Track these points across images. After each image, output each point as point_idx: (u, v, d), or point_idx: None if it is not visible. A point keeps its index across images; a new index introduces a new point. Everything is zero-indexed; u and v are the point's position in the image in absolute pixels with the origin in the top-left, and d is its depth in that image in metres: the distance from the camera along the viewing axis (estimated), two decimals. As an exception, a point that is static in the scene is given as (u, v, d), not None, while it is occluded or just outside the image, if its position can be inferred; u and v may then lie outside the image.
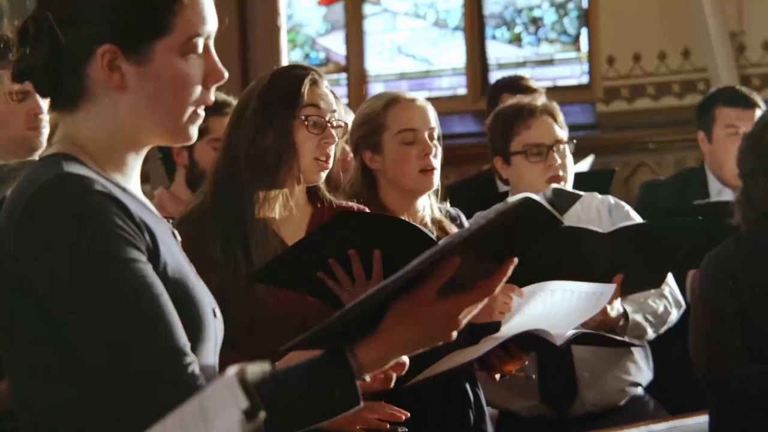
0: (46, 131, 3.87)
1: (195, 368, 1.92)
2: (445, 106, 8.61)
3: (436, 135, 3.70)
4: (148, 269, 1.93)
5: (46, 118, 3.88)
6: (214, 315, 2.10)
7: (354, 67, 9.61)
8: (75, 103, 2.08)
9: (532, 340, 3.28)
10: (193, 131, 2.11)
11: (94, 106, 2.06)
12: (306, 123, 3.24)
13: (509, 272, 1.99)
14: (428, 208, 3.73)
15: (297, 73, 3.31)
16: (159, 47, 2.03)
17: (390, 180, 3.69)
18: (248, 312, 3.13)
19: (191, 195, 4.33)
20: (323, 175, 3.33)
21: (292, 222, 3.33)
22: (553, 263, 3.64)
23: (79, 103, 2.07)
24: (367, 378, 1.97)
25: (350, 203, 3.47)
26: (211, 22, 2.10)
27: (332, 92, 3.39)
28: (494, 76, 8.83)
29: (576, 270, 3.67)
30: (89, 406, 1.95)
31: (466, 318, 2.01)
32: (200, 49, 2.07)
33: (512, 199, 1.89)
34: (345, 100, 9.34)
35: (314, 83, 3.29)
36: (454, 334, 2.02)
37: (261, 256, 3.18)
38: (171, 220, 2.21)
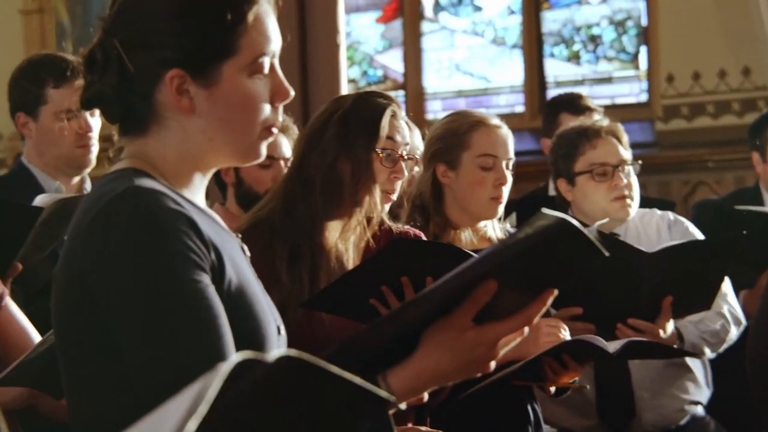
0: (95, 149, 3.91)
1: None
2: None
3: (511, 165, 3.71)
4: (209, 290, 1.93)
5: (94, 136, 3.92)
6: (279, 332, 2.10)
7: (412, 85, 9.62)
8: (145, 127, 2.09)
9: (586, 350, 3.25)
10: (263, 150, 2.12)
11: (164, 130, 2.07)
12: (381, 156, 3.24)
13: (549, 302, 1.95)
14: (490, 227, 3.73)
15: (379, 104, 3.29)
16: (226, 69, 2.04)
17: (458, 199, 3.70)
18: (308, 334, 3.12)
19: (242, 212, 4.34)
20: (386, 208, 3.33)
21: (350, 246, 3.33)
22: (598, 283, 3.62)
23: (149, 127, 2.08)
24: (403, 406, 1.89)
25: (407, 228, 3.47)
26: (276, 42, 2.11)
27: (407, 123, 3.39)
28: (552, 94, 8.80)
29: (622, 291, 3.64)
30: None
31: (504, 348, 1.97)
32: (266, 69, 2.08)
33: (547, 213, 1.80)
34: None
35: (394, 116, 3.29)
36: (492, 364, 1.98)
37: (325, 281, 3.17)
38: (239, 235, 2.21)
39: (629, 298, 3.68)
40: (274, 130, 2.11)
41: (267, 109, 2.08)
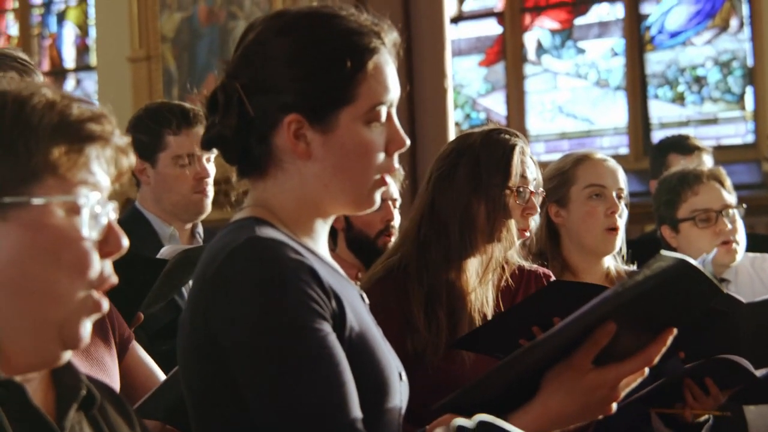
0: (211, 195, 3.94)
1: None
2: (607, 165, 8.60)
3: (624, 197, 3.67)
4: (330, 339, 1.95)
5: (211, 182, 3.96)
6: (400, 378, 2.10)
7: (515, 127, 9.55)
8: (263, 170, 2.11)
9: (732, 372, 3.17)
10: (377, 198, 2.13)
11: (282, 174, 2.10)
12: (515, 194, 3.23)
13: (668, 342, 1.95)
14: (613, 269, 3.70)
15: (508, 141, 3.28)
16: (343, 116, 2.06)
17: (573, 236, 3.68)
18: (447, 378, 3.11)
19: (353, 257, 4.35)
20: (517, 243, 3.32)
21: (480, 287, 3.33)
22: (699, 331, 3.56)
23: (267, 170, 2.11)
24: None
25: (535, 266, 3.46)
26: (394, 91, 2.11)
27: (532, 158, 3.38)
28: (656, 136, 8.77)
29: (724, 340, 3.57)
30: None
31: (625, 389, 1.97)
32: (383, 118, 2.09)
33: (666, 255, 1.82)
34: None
35: (522, 152, 3.28)
36: (614, 406, 1.97)
37: (464, 324, 3.17)
38: (358, 282, 2.22)
39: (729, 346, 3.62)
40: (389, 179, 2.12)
41: (382, 157, 2.09)
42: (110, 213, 1.58)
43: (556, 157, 8.46)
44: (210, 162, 3.97)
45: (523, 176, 3.26)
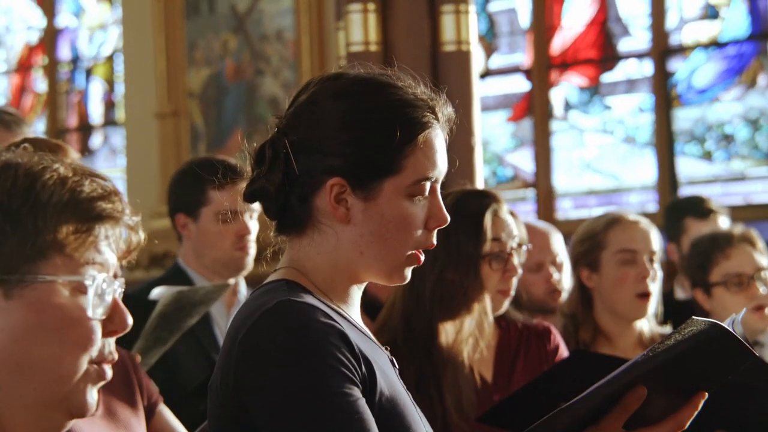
0: (252, 252, 3.92)
1: None
2: (635, 222, 8.53)
3: (656, 258, 3.64)
4: (360, 404, 1.93)
5: (252, 238, 3.94)
6: None
7: (542, 184, 9.60)
8: (301, 229, 2.11)
9: None
10: (408, 274, 2.12)
11: (319, 235, 2.09)
12: (490, 261, 3.21)
13: (699, 406, 1.94)
14: (647, 331, 3.66)
15: (478, 204, 3.26)
16: (387, 186, 2.06)
17: (605, 301, 3.65)
18: None
19: (368, 320, 4.34)
20: (506, 304, 3.30)
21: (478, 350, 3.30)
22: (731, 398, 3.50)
23: (305, 229, 2.11)
24: None
25: (535, 321, 3.43)
26: (441, 166, 2.11)
27: (511, 213, 3.33)
28: (685, 193, 8.72)
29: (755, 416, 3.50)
30: None
31: None
32: (427, 192, 2.08)
33: (698, 320, 1.82)
34: (533, 216, 9.32)
35: (495, 214, 3.25)
36: None
37: (455, 395, 3.14)
38: (388, 348, 2.21)
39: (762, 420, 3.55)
40: (422, 256, 2.11)
41: (419, 232, 2.08)
42: (116, 291, 1.57)
43: (583, 213, 8.42)
44: (253, 219, 3.96)
45: (498, 240, 3.23)
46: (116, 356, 1.59)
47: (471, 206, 3.27)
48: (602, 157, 9.57)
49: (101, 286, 1.54)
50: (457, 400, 3.14)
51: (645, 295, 3.61)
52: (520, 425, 3.02)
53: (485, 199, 3.29)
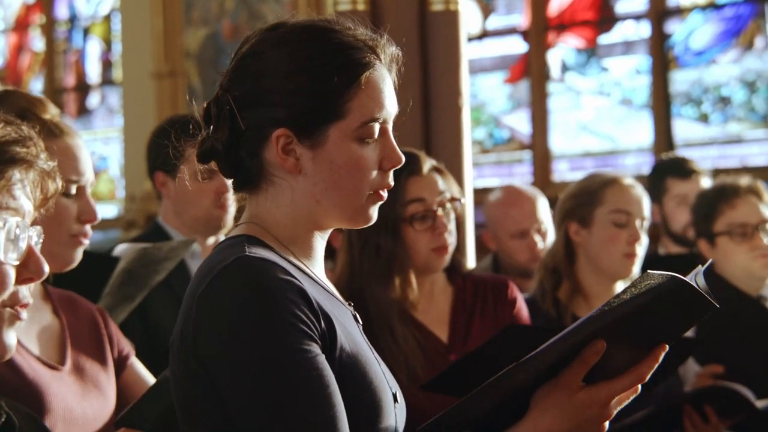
0: (232, 210, 3.90)
1: None
2: (630, 185, 8.52)
3: (646, 226, 3.67)
4: (318, 360, 1.92)
5: (232, 197, 3.92)
6: (396, 400, 2.08)
7: (538, 146, 9.58)
8: (256, 184, 2.10)
9: (731, 401, 3.12)
10: (373, 214, 2.10)
11: (274, 188, 2.08)
12: (412, 222, 3.23)
13: (660, 359, 1.93)
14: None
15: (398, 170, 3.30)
16: (333, 131, 2.04)
17: (591, 257, 3.66)
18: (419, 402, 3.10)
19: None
20: (447, 259, 3.30)
21: (434, 307, 3.31)
22: (746, 341, 3.51)
23: (260, 184, 2.09)
24: None
25: (494, 275, 3.42)
26: (390, 106, 2.08)
27: (436, 168, 3.34)
28: (682, 155, 8.70)
29: None
30: None
31: (617, 407, 1.95)
32: (377, 134, 2.07)
33: (654, 273, 1.82)
34: (529, 179, 9.31)
35: (412, 174, 3.26)
36: (606, 425, 1.96)
37: (399, 358, 3.15)
38: (351, 304, 2.20)
39: None
40: (384, 194, 2.10)
41: (374, 173, 2.07)
42: (33, 237, 1.56)
43: (579, 176, 8.39)
44: None
45: (419, 199, 3.24)
46: (30, 300, 1.59)
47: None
48: (599, 119, 9.54)
49: (14, 230, 1.53)
50: (406, 365, 3.15)
51: (633, 256, 3.62)
52: (467, 391, 3.05)
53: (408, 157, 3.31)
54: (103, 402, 2.64)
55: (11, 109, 2.53)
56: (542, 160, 9.55)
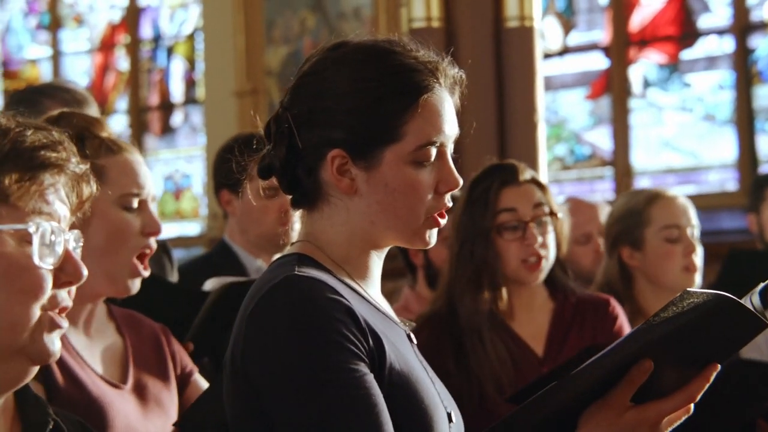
0: (297, 227, 3.91)
1: None
2: (713, 201, 8.40)
3: (697, 234, 3.63)
4: (366, 380, 1.91)
5: (296, 214, 3.93)
6: (451, 420, 2.06)
7: (620, 162, 9.49)
8: (312, 202, 2.10)
9: None
10: (430, 237, 2.08)
11: (329, 208, 2.08)
12: (502, 231, 3.24)
13: (711, 378, 1.90)
14: None
15: (490, 176, 3.31)
16: (388, 154, 2.03)
17: (650, 277, 3.63)
18: (484, 424, 3.09)
19: (432, 294, 4.36)
20: (540, 273, 3.29)
21: (532, 321, 3.30)
22: None
23: (316, 203, 2.10)
24: None
25: (598, 294, 3.41)
26: (449, 129, 2.06)
27: (536, 180, 3.33)
28: (765, 171, 8.59)
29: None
30: None
31: (668, 428, 1.92)
32: (433, 157, 2.05)
33: (694, 291, 1.80)
34: (611, 195, 9.23)
35: (506, 183, 3.27)
36: None
37: (486, 368, 3.15)
38: (407, 322, 2.18)
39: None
40: (442, 220, 2.08)
41: (429, 197, 2.05)
42: (70, 242, 1.57)
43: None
44: None
45: (511, 209, 3.24)
46: (70, 303, 1.60)
47: (483, 180, 3.31)
48: (681, 135, 9.44)
49: (49, 235, 1.55)
50: (493, 374, 3.15)
51: (692, 267, 3.58)
52: None
53: (497, 170, 3.32)
54: (165, 420, 2.66)
55: (69, 129, 2.57)
56: (624, 176, 9.45)
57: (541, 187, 3.32)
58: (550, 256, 3.30)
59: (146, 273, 2.67)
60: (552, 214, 3.31)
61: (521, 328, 3.29)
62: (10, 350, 1.55)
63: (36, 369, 1.59)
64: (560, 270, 3.38)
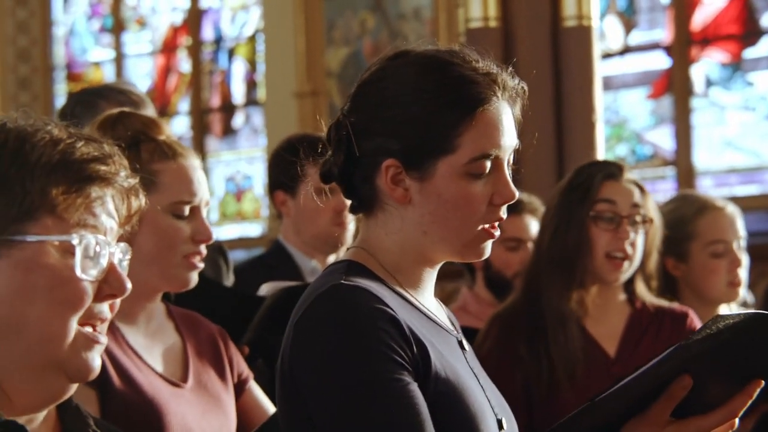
0: (351, 227, 3.91)
1: None
2: (776, 201, 8.34)
3: (743, 244, 3.62)
4: (409, 389, 1.91)
5: (351, 215, 3.93)
6: (501, 427, 2.05)
7: (682, 162, 9.42)
8: (370, 209, 2.11)
9: None
10: (484, 249, 2.07)
11: (385, 215, 2.08)
12: (597, 221, 3.24)
13: (754, 394, 1.88)
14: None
15: (594, 167, 3.34)
16: (441, 165, 2.02)
17: (694, 288, 3.62)
18: (551, 411, 3.10)
19: (490, 296, 4.37)
20: (620, 275, 3.28)
21: (607, 322, 3.30)
22: None
23: (373, 209, 2.10)
24: None
25: (672, 305, 3.40)
26: (506, 141, 2.05)
27: (638, 184, 3.34)
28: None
29: None
30: None
31: None
32: (488, 169, 2.04)
33: (727, 315, 1.81)
34: (673, 195, 9.16)
35: (609, 177, 3.28)
36: None
37: (563, 354, 3.17)
38: (459, 331, 2.18)
39: None
40: (496, 232, 2.07)
41: (483, 209, 2.04)
42: (116, 254, 1.58)
43: (724, 192, 8.24)
44: None
45: (610, 201, 3.27)
46: (109, 316, 1.60)
47: (587, 169, 3.35)
48: (744, 135, 9.35)
49: (93, 247, 1.55)
50: (566, 358, 3.17)
51: (736, 282, 3.57)
52: None
53: (603, 164, 3.36)
54: (224, 420, 2.67)
55: (126, 130, 2.59)
56: (686, 176, 9.38)
57: (642, 190, 3.34)
58: (635, 258, 3.30)
59: (201, 265, 2.68)
60: (648, 220, 3.31)
61: (594, 327, 3.30)
62: (48, 364, 1.55)
63: (75, 387, 1.59)
64: (643, 281, 3.38)
